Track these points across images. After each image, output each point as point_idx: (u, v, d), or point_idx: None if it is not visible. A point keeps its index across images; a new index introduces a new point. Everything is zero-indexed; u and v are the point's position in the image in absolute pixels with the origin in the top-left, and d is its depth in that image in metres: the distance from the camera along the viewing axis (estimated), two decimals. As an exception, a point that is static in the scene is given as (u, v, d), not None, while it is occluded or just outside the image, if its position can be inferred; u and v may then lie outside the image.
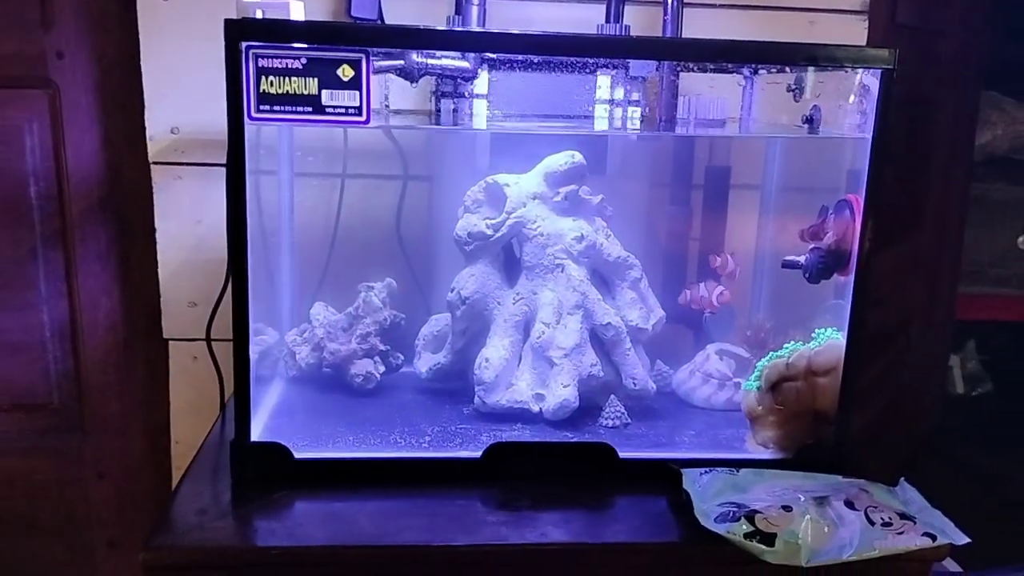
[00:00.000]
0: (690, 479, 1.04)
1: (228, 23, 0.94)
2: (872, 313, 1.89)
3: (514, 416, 1.20)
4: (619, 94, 1.25)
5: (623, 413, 1.20)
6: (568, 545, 0.98)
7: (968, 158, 2.37)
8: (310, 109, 0.98)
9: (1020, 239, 2.55)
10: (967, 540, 0.96)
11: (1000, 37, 2.38)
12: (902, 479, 1.08)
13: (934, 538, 0.95)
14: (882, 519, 0.97)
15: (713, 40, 1.10)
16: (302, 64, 0.96)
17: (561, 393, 1.17)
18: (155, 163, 1.42)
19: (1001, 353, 2.87)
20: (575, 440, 1.15)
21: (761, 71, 1.27)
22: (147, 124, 1.41)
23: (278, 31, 0.96)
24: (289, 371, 1.32)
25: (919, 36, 1.88)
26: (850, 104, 1.11)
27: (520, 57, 1.18)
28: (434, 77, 1.22)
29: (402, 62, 1.17)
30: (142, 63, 1.39)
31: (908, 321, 2.22)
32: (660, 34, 1.34)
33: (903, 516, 0.98)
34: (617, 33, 1.30)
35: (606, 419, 1.20)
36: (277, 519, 1.00)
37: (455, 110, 1.23)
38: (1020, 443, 2.53)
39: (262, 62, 0.96)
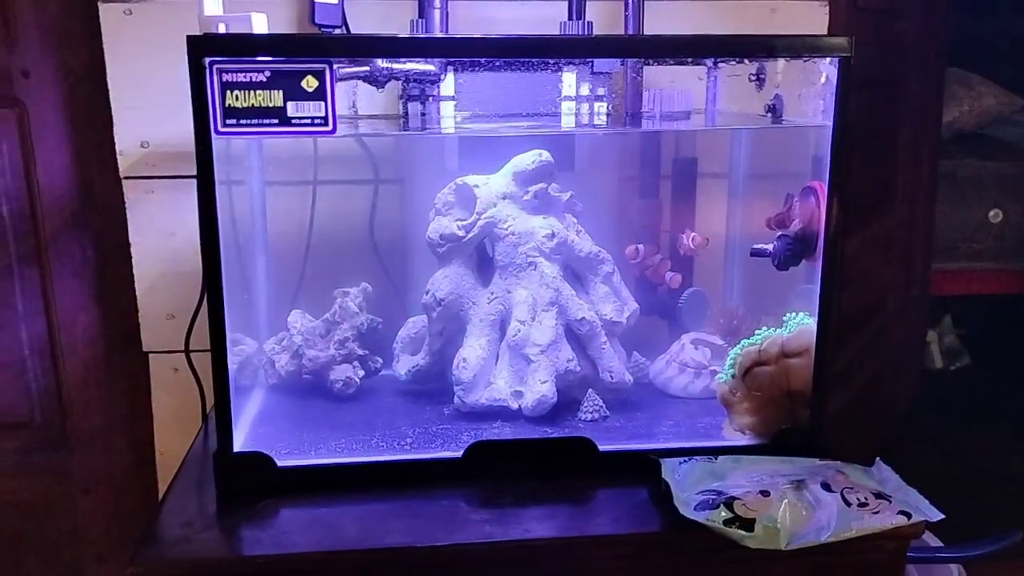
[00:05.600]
0: (669, 469, 1.06)
1: (191, 39, 0.95)
2: (847, 294, 1.92)
3: (494, 414, 1.21)
4: (584, 90, 1.26)
5: (601, 406, 1.21)
6: (552, 540, 0.99)
7: (936, 135, 2.39)
8: (276, 121, 0.98)
9: (991, 213, 2.57)
10: (941, 516, 0.98)
11: (962, 14, 2.41)
12: (877, 459, 1.10)
13: (909, 516, 0.97)
14: (858, 500, 0.99)
15: (673, 36, 1.12)
16: (266, 77, 0.97)
17: (539, 389, 1.18)
18: (126, 178, 1.43)
19: (977, 327, 2.90)
20: (555, 435, 1.16)
21: (722, 63, 1.28)
22: (116, 139, 1.41)
23: (241, 45, 0.97)
24: (269, 380, 1.33)
25: (881, 18, 1.90)
26: (811, 91, 1.13)
27: (485, 58, 1.19)
28: (400, 81, 1.23)
29: (367, 68, 1.18)
30: (108, 78, 1.39)
31: (884, 299, 2.24)
32: (622, 28, 1.35)
33: (879, 496, 1.00)
34: (580, 30, 1.30)
35: (585, 413, 1.21)
36: (262, 528, 1.01)
37: (423, 113, 1.24)
38: (998, 415, 2.56)
39: (226, 77, 0.96)
